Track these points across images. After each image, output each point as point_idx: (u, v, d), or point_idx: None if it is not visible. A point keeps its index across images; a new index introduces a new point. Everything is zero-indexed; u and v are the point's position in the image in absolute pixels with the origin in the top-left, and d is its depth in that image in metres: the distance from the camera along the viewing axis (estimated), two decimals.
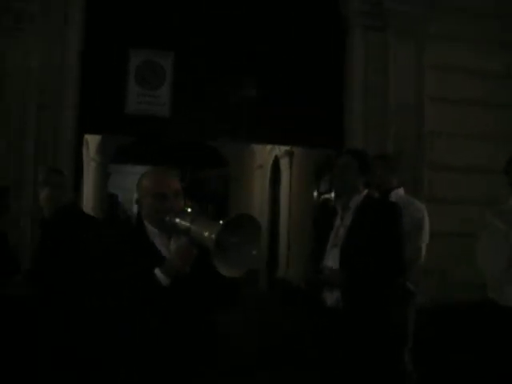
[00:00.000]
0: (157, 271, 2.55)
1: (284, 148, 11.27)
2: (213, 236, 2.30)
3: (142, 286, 2.55)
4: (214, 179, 15.71)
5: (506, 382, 3.79)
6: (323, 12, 6.44)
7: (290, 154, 11.27)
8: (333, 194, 7.73)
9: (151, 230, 2.76)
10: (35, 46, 5.53)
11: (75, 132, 5.78)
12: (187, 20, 6.13)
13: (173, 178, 2.82)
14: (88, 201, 11.58)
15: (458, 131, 6.34)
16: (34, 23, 5.51)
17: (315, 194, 10.30)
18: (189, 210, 2.69)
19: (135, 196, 2.87)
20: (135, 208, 3.01)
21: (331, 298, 3.81)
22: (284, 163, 11.63)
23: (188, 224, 2.52)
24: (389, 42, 6.24)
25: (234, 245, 2.40)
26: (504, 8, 6.52)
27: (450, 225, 6.10)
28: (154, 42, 6.05)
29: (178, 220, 2.59)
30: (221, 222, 2.33)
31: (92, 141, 11.88)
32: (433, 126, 6.26)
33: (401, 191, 4.76)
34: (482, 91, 6.43)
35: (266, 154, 12.78)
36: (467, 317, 5.59)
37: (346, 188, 3.95)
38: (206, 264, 2.50)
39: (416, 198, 4.99)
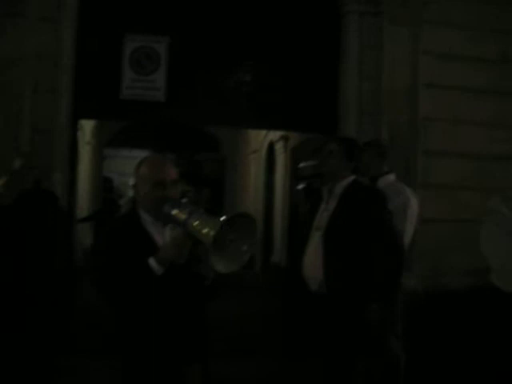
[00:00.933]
0: (151, 260, 2.55)
1: (279, 133, 11.25)
2: (211, 233, 2.30)
3: (137, 275, 2.55)
4: (209, 163, 15.71)
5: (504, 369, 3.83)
6: None
7: (285, 139, 11.25)
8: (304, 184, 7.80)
9: (146, 217, 2.76)
10: (29, 31, 5.49)
11: (70, 117, 5.78)
12: (182, 5, 6.10)
13: (171, 166, 2.82)
14: (83, 184, 11.56)
15: (453, 117, 6.35)
16: (27, 8, 5.48)
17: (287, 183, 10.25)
18: (184, 200, 2.69)
19: (131, 181, 2.87)
20: (131, 192, 3.01)
21: (315, 283, 3.87)
22: (279, 148, 11.61)
23: (185, 217, 2.51)
24: (384, 28, 6.22)
25: (230, 241, 2.41)
26: None
27: (443, 211, 6.14)
28: (149, 28, 6.03)
29: (175, 211, 2.58)
30: (221, 219, 2.31)
31: (87, 125, 11.83)
32: (427, 112, 6.26)
33: (391, 177, 4.75)
34: (477, 78, 6.42)
35: (261, 138, 12.75)
36: (464, 302, 5.62)
37: (330, 174, 4.02)
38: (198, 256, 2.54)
39: (410, 184, 5.00)
